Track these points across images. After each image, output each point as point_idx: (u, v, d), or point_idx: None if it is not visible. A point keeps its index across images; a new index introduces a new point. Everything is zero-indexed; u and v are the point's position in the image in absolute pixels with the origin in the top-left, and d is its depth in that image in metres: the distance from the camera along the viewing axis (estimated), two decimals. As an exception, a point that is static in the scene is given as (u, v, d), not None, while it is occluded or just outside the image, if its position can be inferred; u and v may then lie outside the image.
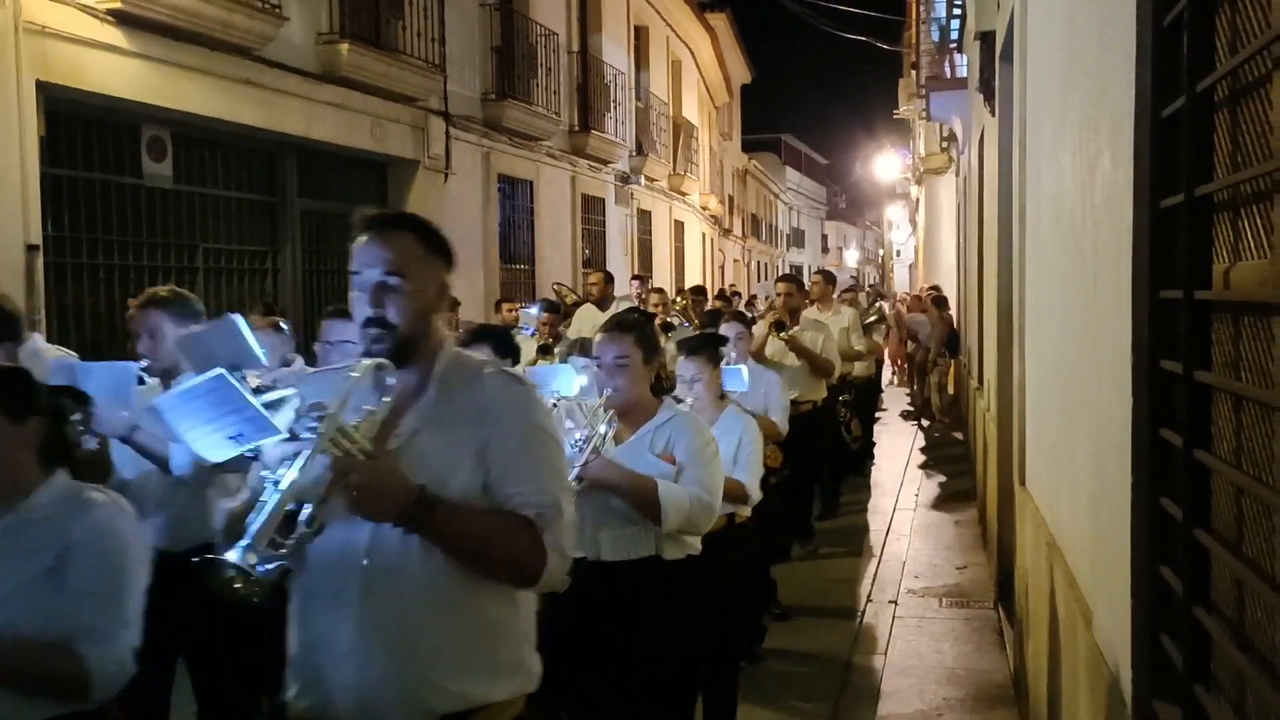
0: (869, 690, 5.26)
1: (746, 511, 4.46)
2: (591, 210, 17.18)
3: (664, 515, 3.17)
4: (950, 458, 11.96)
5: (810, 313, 8.48)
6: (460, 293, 11.59)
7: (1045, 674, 3.80)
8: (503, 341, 4.39)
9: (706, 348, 4.51)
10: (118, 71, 7.64)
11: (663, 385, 3.44)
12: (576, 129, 16.09)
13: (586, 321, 9.00)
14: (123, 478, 3.69)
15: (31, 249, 6.98)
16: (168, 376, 3.82)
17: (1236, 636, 1.79)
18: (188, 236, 8.94)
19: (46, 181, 7.24)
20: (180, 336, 3.58)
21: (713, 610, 3.53)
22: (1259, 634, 1.70)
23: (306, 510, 1.91)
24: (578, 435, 3.20)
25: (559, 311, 9.10)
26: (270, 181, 10.00)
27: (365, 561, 2.06)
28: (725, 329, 5.86)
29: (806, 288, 8.83)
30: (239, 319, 3.51)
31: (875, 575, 7.30)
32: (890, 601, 6.67)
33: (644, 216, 20.16)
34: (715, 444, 3.44)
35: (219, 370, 2.40)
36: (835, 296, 9.87)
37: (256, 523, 1.86)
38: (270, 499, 1.89)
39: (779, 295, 7.91)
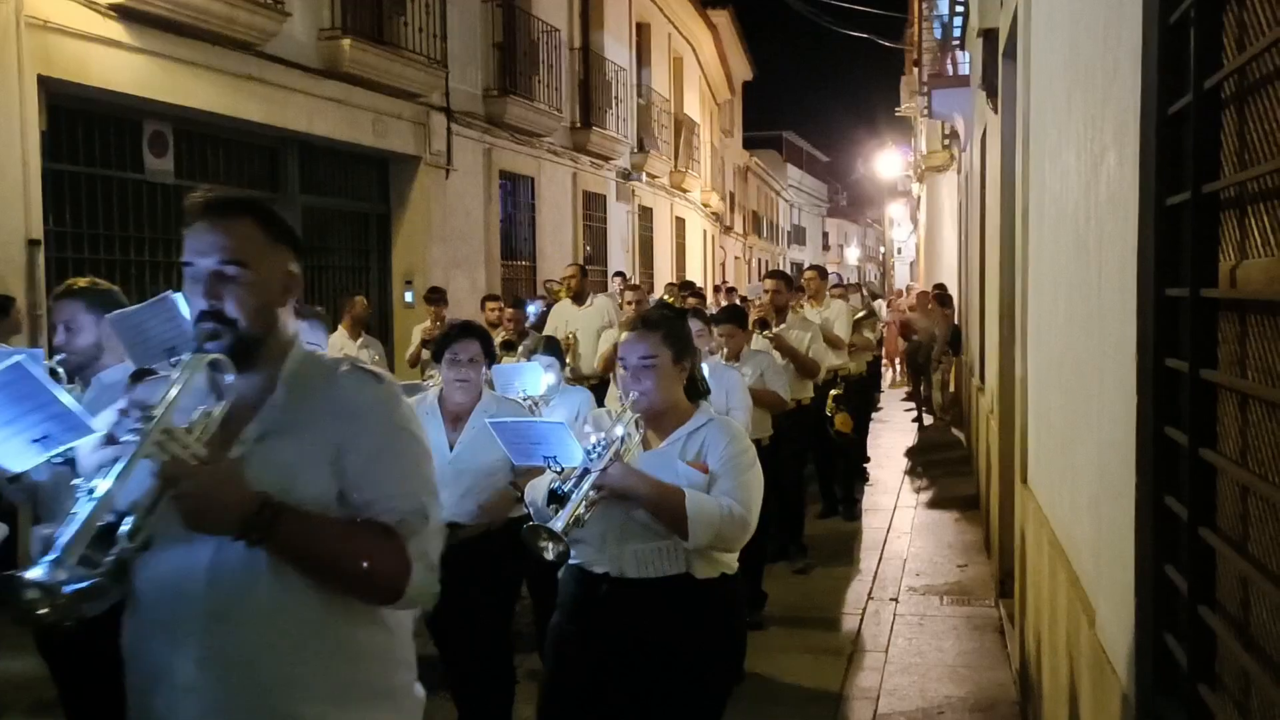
0: (870, 688, 5.26)
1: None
2: (593, 207, 17.17)
3: (690, 529, 2.87)
4: (951, 456, 11.95)
5: (804, 310, 8.42)
6: (462, 289, 11.62)
7: (1047, 672, 3.80)
8: (486, 340, 4.26)
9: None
10: (120, 66, 7.63)
11: (698, 388, 3.18)
12: (578, 125, 16.08)
13: (561, 319, 8.95)
14: None
15: (33, 244, 6.98)
16: (83, 371, 3.55)
17: (1241, 635, 1.78)
18: (189, 232, 8.93)
19: (48, 176, 7.25)
20: (114, 317, 3.15)
21: (744, 634, 3.24)
22: (1264, 633, 1.69)
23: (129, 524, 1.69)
24: (594, 439, 2.95)
25: (523, 307, 9.06)
26: (272, 177, 10.00)
27: (205, 584, 1.84)
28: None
29: (795, 284, 8.66)
30: (179, 298, 2.89)
31: (876, 573, 7.29)
32: (891, 599, 6.67)
33: (645, 213, 20.15)
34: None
35: (15, 358, 2.09)
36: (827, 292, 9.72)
37: (65, 535, 1.62)
38: (82, 509, 1.65)
39: (766, 292, 7.70)
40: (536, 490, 3.08)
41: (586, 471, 2.85)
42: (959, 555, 7.68)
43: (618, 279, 11.82)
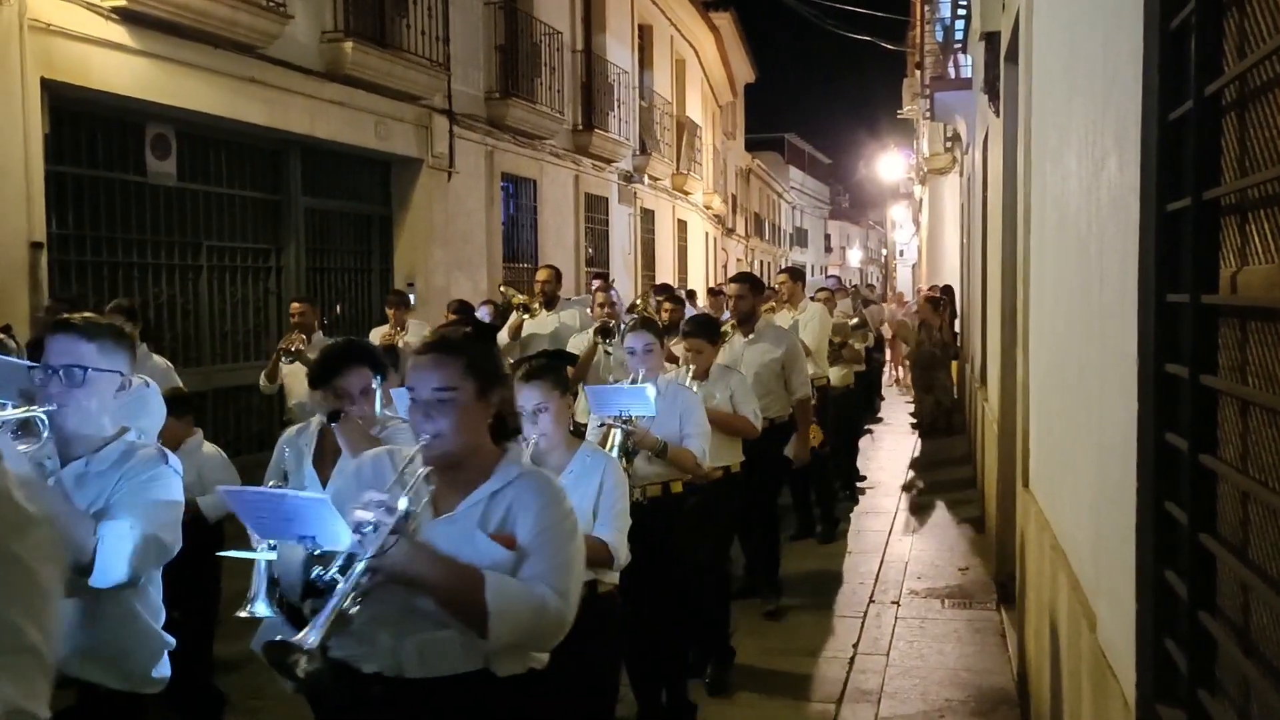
0: (871, 691, 5.26)
1: (611, 579, 3.55)
2: (595, 209, 17.18)
3: (491, 627, 2.20)
4: (954, 460, 11.95)
5: (780, 316, 7.74)
6: (464, 291, 11.61)
7: (1048, 676, 3.79)
8: (374, 361, 3.70)
9: (548, 372, 3.47)
10: (122, 69, 7.65)
11: (506, 427, 2.49)
12: (580, 128, 16.09)
13: (535, 329, 7.94)
14: None
15: (35, 246, 6.99)
16: None
17: (1241, 641, 1.78)
18: (191, 234, 8.95)
19: (51, 179, 7.26)
20: None
21: None
22: (1264, 639, 1.70)
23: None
24: (369, 514, 2.16)
25: (470, 314, 7.97)
26: (274, 180, 10.02)
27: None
28: (631, 339, 4.81)
29: (764, 287, 7.55)
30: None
31: (878, 576, 7.29)
32: (893, 602, 6.67)
33: (647, 216, 20.16)
34: (574, 519, 2.43)
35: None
36: (808, 295, 9.01)
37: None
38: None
39: (730, 298, 6.76)
40: (289, 564, 2.38)
41: (353, 558, 2.12)
42: (960, 558, 7.68)
43: (597, 280, 10.44)
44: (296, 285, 10.19)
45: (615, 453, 4.14)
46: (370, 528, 2.13)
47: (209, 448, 4.99)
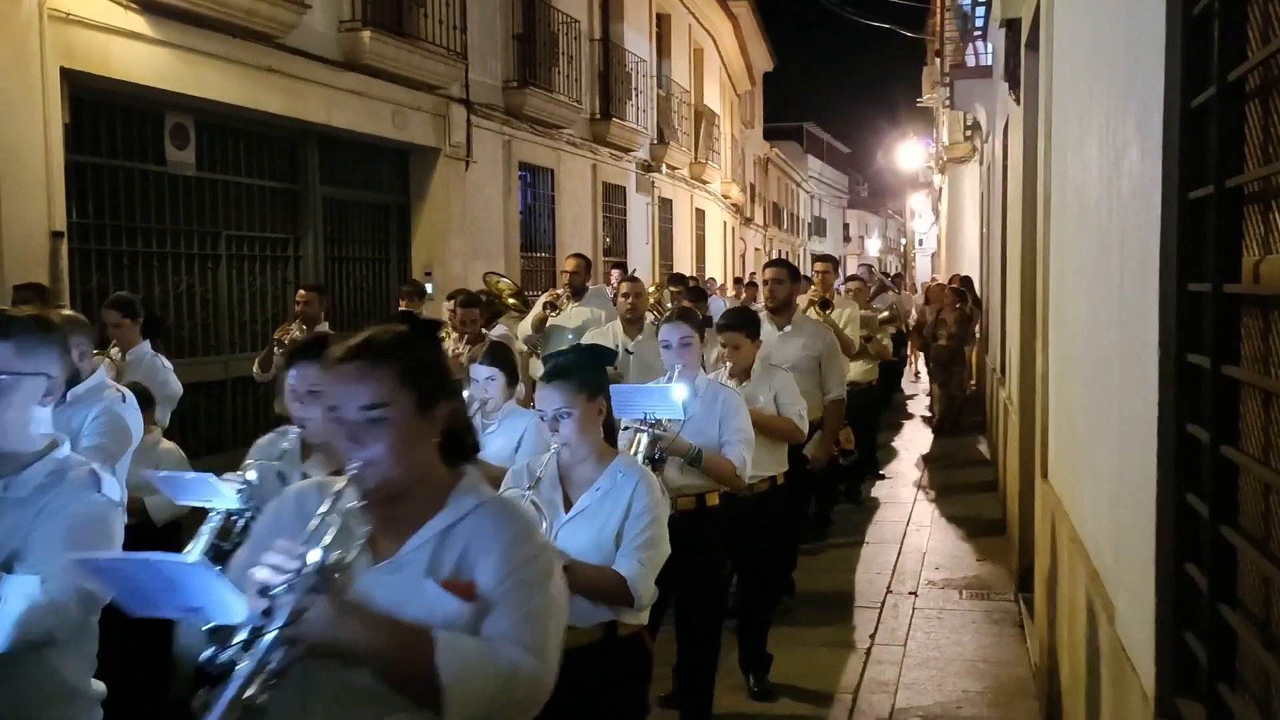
0: (888, 681, 5.25)
1: (635, 620, 3.05)
2: (612, 199, 17.16)
3: (446, 702, 1.70)
4: (972, 450, 11.90)
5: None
6: (481, 282, 11.59)
7: (1066, 668, 3.78)
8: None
9: (573, 371, 3.05)
10: (141, 59, 7.67)
11: (461, 445, 2.00)
12: (598, 117, 16.06)
13: (560, 321, 7.39)
14: None
15: (56, 235, 7.03)
16: None
17: (1262, 634, 1.77)
18: (210, 223, 8.98)
19: (71, 168, 7.29)
20: None
21: None
22: (1286, 633, 1.68)
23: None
24: (281, 561, 1.67)
25: (478, 305, 7.41)
26: (292, 169, 10.04)
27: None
28: (666, 332, 4.40)
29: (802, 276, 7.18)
30: None
31: (895, 566, 7.27)
32: (910, 593, 6.65)
33: (665, 205, 20.12)
34: (548, 555, 1.96)
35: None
36: (843, 287, 8.84)
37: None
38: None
39: (766, 283, 6.36)
40: (187, 642, 1.75)
41: (260, 630, 1.61)
42: (978, 549, 7.66)
43: (616, 271, 10.02)
44: (314, 275, 10.21)
45: (639, 459, 3.74)
46: (281, 587, 1.63)
47: (166, 445, 4.84)
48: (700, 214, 23.19)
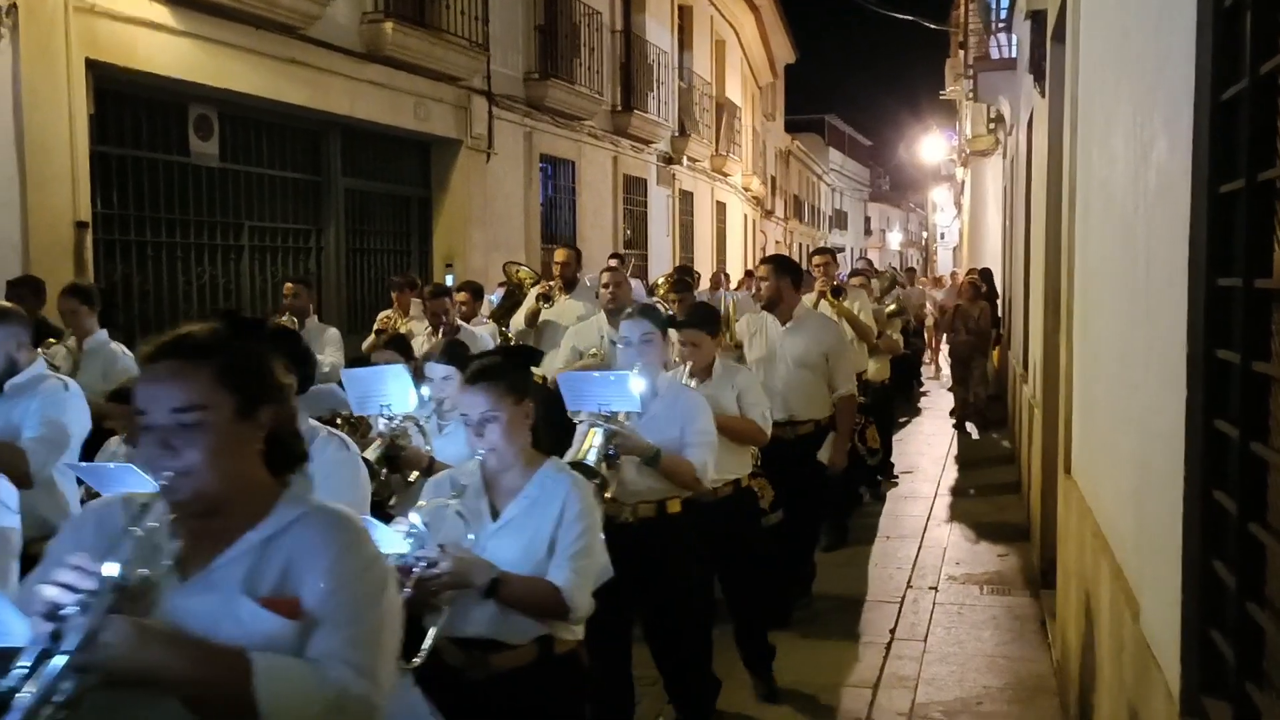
0: (908, 677, 5.23)
1: (572, 635, 2.89)
2: (633, 191, 17.15)
3: None
4: (993, 445, 11.84)
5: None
6: (501, 272, 11.61)
7: (1088, 665, 3.75)
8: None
9: (499, 373, 2.86)
10: (166, 50, 7.72)
11: (287, 453, 1.83)
12: (619, 109, 16.05)
13: (553, 316, 7.20)
14: None
15: (80, 226, 7.08)
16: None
17: (1291, 634, 1.75)
18: (233, 214, 9.03)
19: (95, 159, 7.34)
20: None
21: None
22: (1315, 632, 1.66)
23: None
24: (72, 580, 1.48)
25: (480, 295, 7.48)
26: (314, 160, 10.08)
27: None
28: (625, 328, 4.16)
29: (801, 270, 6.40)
30: None
31: (916, 561, 7.25)
32: (930, 588, 6.63)
33: (686, 197, 20.09)
34: (381, 569, 1.79)
35: None
36: (845, 280, 8.58)
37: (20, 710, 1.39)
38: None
39: (761, 279, 6.01)
40: None
41: (48, 655, 1.42)
42: (1000, 544, 7.61)
43: (614, 260, 9.56)
44: (336, 266, 10.26)
45: (593, 456, 3.56)
46: (73, 608, 1.45)
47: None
48: (721, 207, 23.15)
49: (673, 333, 4.59)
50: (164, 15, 7.66)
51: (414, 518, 2.65)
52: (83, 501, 3.81)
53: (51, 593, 1.47)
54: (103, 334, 5.66)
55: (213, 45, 8.08)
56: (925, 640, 5.73)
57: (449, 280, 10.73)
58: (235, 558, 1.71)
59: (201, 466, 1.66)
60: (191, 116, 8.54)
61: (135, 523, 1.60)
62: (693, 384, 4.51)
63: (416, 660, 2.58)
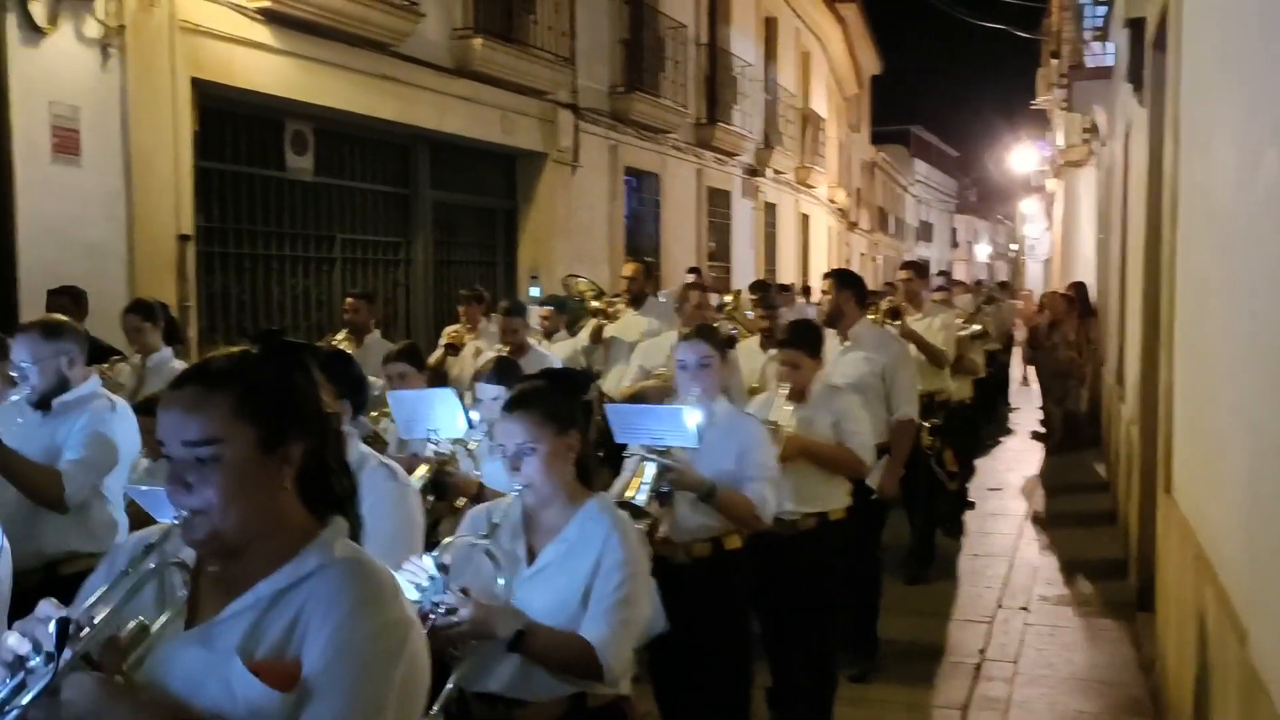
0: (999, 699, 5.12)
1: (606, 690, 2.52)
2: (717, 203, 17.13)
3: None
4: (1087, 463, 11.54)
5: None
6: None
7: (1190, 692, 3.63)
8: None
9: (537, 400, 2.62)
10: (264, 68, 7.93)
11: (330, 489, 1.67)
12: (703, 122, 16.06)
13: (618, 332, 6.95)
14: None
15: (183, 239, 7.31)
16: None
17: None
18: (326, 227, 9.25)
19: (198, 175, 7.57)
20: None
21: None
22: None
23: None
24: (36, 627, 1.38)
25: (564, 309, 7.11)
26: (404, 173, 10.27)
27: None
28: (682, 351, 3.82)
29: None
30: None
31: (1006, 580, 7.09)
32: (1021, 608, 6.48)
33: (770, 210, 20.01)
34: (398, 634, 1.56)
35: None
36: (930, 296, 8.16)
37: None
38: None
39: (824, 293, 5.71)
40: None
41: (3, 709, 1.35)
42: (1094, 565, 7.41)
43: (691, 275, 9.18)
44: (424, 278, 10.43)
45: (644, 495, 3.29)
46: (37, 659, 1.34)
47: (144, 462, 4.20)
48: (805, 219, 23.01)
49: (733, 354, 4.30)
50: (264, 34, 7.87)
51: (427, 561, 2.37)
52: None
53: (12, 640, 1.36)
54: (167, 351, 5.56)
55: (309, 63, 8.28)
56: (1016, 661, 5.60)
57: (535, 292, 10.84)
58: (241, 610, 1.54)
59: (217, 505, 1.51)
60: (288, 132, 8.77)
61: (135, 565, 1.53)
62: (789, 408, 4.24)
63: (429, 718, 2.26)
